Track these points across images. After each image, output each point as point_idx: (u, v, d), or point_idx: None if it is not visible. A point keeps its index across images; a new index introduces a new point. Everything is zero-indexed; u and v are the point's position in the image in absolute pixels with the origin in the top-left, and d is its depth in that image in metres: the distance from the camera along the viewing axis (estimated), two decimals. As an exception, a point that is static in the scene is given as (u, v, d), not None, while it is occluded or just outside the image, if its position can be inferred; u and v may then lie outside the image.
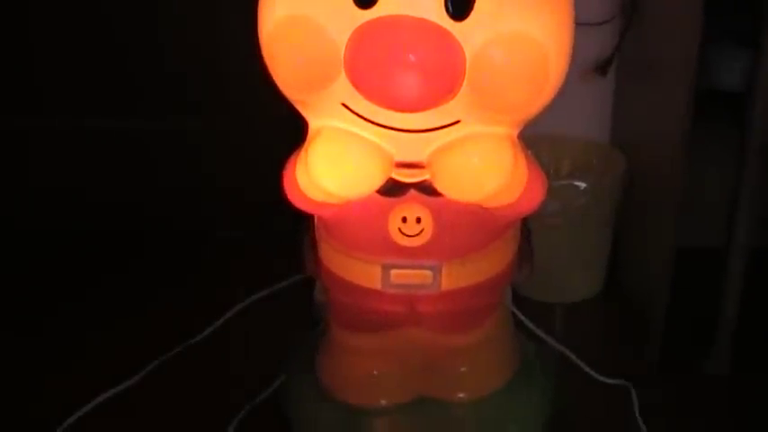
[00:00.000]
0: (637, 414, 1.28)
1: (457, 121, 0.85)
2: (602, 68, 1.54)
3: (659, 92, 1.42)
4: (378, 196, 0.90)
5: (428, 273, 0.96)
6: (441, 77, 0.79)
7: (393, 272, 0.96)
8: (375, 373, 1.10)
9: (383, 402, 1.11)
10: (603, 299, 1.58)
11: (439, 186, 0.88)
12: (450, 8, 0.79)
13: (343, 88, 0.82)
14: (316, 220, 1.02)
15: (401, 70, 0.78)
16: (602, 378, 1.34)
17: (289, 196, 0.94)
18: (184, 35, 1.63)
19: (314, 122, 0.91)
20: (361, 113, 0.85)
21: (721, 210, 1.35)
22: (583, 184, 1.44)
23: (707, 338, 1.39)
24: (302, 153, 0.89)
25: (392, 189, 0.90)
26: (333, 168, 0.87)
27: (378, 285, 0.97)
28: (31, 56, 1.66)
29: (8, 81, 1.66)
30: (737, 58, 1.31)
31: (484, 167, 0.86)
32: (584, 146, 1.59)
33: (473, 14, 0.80)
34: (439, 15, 0.79)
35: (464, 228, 0.94)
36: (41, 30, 1.64)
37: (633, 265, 1.55)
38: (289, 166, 0.93)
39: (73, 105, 1.69)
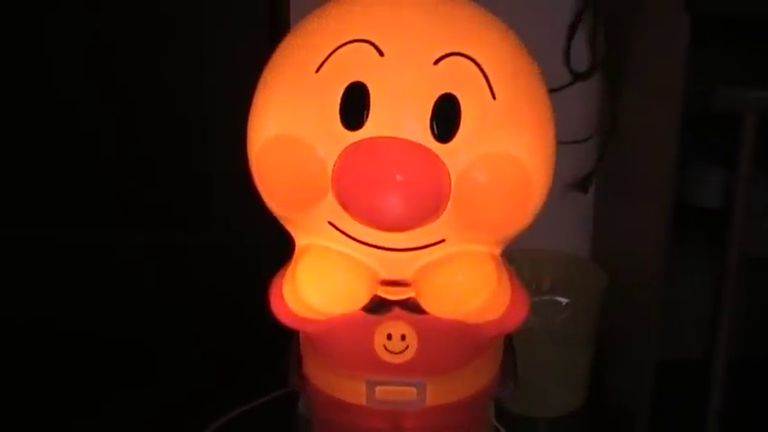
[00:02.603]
0: None
1: (442, 240, 0.86)
2: (582, 186, 1.56)
3: (638, 207, 1.44)
4: (363, 313, 0.91)
5: (413, 389, 0.96)
6: (427, 198, 0.80)
7: (378, 388, 0.96)
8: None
9: None
10: (587, 412, 1.57)
11: (424, 304, 0.89)
12: (436, 131, 0.81)
13: (330, 207, 0.84)
14: (301, 335, 1.02)
15: (388, 191, 0.79)
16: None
17: (274, 311, 0.94)
18: (174, 150, 1.65)
19: (301, 240, 0.92)
20: (347, 232, 0.86)
21: (703, 322, 1.36)
22: (565, 300, 1.45)
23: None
24: (289, 270, 0.90)
25: (377, 306, 0.91)
26: (319, 285, 0.88)
27: (362, 401, 0.97)
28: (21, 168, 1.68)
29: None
30: (715, 176, 1.34)
31: (468, 285, 0.87)
32: (565, 261, 1.60)
33: (458, 136, 0.82)
34: (425, 137, 0.81)
35: (448, 345, 0.94)
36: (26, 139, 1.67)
37: (616, 378, 1.54)
38: (275, 282, 0.93)
39: (58, 218, 1.71)
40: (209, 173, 1.64)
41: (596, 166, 1.56)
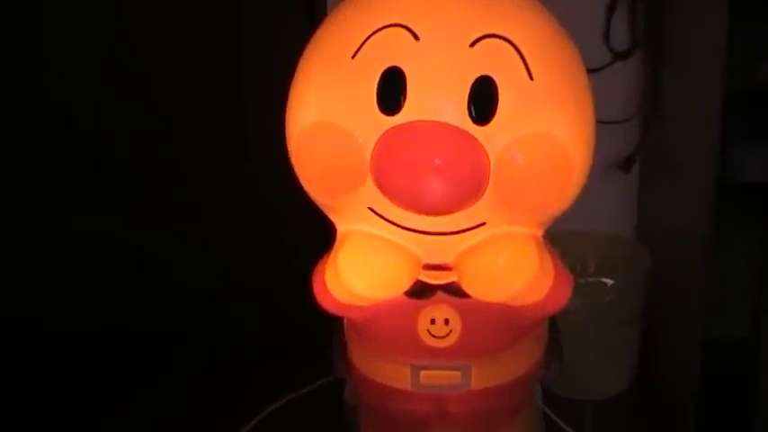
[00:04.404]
0: None
1: (482, 223, 0.86)
2: (625, 166, 1.55)
3: (682, 186, 1.43)
4: (406, 298, 0.91)
5: (457, 373, 0.96)
6: (466, 181, 0.80)
7: (422, 373, 0.96)
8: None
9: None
10: (633, 394, 1.56)
11: (466, 287, 0.89)
12: (474, 113, 0.81)
13: (369, 193, 0.84)
14: (345, 322, 1.03)
15: (427, 175, 0.79)
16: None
17: (318, 299, 0.95)
18: (214, 142, 1.66)
19: (342, 227, 0.92)
20: (387, 217, 0.86)
21: (749, 301, 1.35)
22: (610, 281, 1.44)
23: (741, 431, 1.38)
24: (331, 257, 0.90)
25: (420, 291, 0.91)
26: (361, 272, 0.88)
27: (407, 386, 0.97)
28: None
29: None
30: (759, 152, 1.32)
31: (510, 268, 0.87)
32: (609, 242, 1.58)
33: (496, 118, 0.81)
34: (463, 120, 0.81)
35: (492, 328, 0.94)
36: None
37: (662, 359, 1.54)
38: (318, 270, 0.94)
39: (99, 209, 1.73)
40: (251, 162, 1.64)
41: (639, 145, 1.54)
